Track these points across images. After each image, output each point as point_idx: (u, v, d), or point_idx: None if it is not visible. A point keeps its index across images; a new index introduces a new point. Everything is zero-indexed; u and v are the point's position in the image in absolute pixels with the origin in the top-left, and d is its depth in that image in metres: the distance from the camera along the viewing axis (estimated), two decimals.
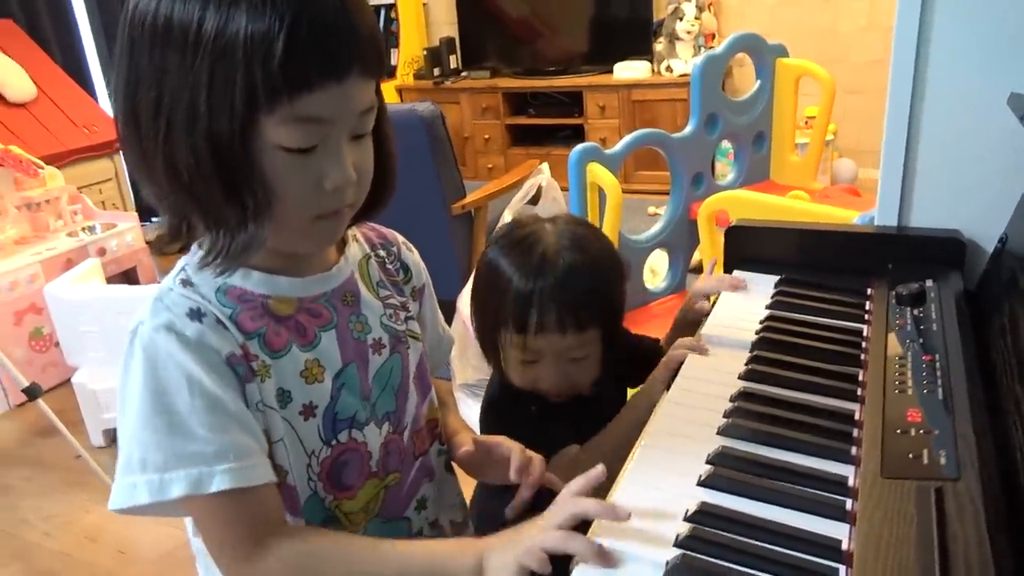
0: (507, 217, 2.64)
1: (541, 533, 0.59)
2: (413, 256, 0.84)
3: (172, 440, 0.60)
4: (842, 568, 0.56)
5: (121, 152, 0.63)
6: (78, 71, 3.75)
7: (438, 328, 0.89)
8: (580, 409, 0.98)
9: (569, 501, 0.61)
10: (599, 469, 0.64)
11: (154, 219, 4.15)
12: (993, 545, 0.53)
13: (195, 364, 0.62)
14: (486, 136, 4.62)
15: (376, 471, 0.74)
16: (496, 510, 0.76)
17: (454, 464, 0.86)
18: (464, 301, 2.18)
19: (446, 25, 4.88)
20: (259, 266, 0.68)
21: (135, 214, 3.17)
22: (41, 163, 2.89)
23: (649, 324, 2.15)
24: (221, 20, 0.55)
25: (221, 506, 0.62)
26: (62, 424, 2.07)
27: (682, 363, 0.88)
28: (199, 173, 0.58)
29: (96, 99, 3.74)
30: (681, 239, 2.38)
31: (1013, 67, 0.94)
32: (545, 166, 2.64)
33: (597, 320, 0.93)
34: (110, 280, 2.73)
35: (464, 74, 4.74)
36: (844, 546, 0.58)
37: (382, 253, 0.80)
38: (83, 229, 2.95)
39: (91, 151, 3.35)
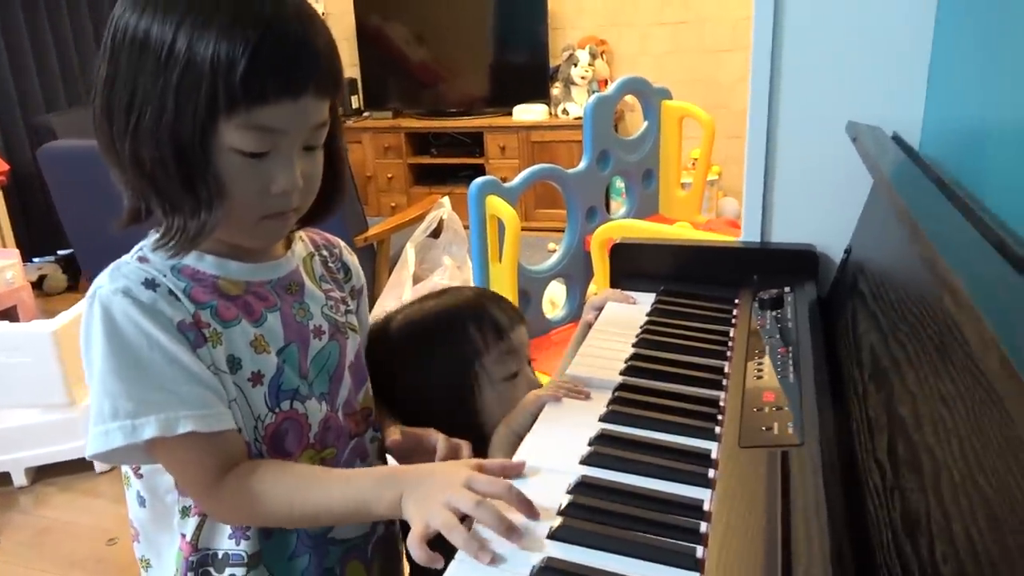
0: (409, 250, 2.68)
1: (457, 492, 0.63)
2: (353, 259, 0.91)
3: (139, 389, 0.66)
4: (703, 524, 0.62)
5: (96, 139, 0.69)
6: None
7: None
8: None
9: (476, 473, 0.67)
10: (522, 464, 0.71)
11: (36, 259, 3.96)
12: (827, 492, 0.61)
13: (151, 325, 0.67)
14: (389, 175, 4.66)
15: (313, 443, 0.78)
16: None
17: (388, 455, 0.90)
18: None
19: (348, 67, 4.92)
20: (211, 251, 0.73)
21: (16, 251, 3.02)
22: None
23: (549, 351, 2.23)
24: (194, 36, 0.63)
25: (189, 448, 0.68)
26: None
27: (542, 407, 0.84)
28: (160, 164, 0.65)
29: None
30: (578, 270, 2.48)
31: (852, 99, 1.08)
32: (446, 200, 2.71)
33: None
34: None
35: (366, 114, 4.79)
36: (706, 506, 0.65)
37: (324, 253, 0.87)
38: None
39: None
